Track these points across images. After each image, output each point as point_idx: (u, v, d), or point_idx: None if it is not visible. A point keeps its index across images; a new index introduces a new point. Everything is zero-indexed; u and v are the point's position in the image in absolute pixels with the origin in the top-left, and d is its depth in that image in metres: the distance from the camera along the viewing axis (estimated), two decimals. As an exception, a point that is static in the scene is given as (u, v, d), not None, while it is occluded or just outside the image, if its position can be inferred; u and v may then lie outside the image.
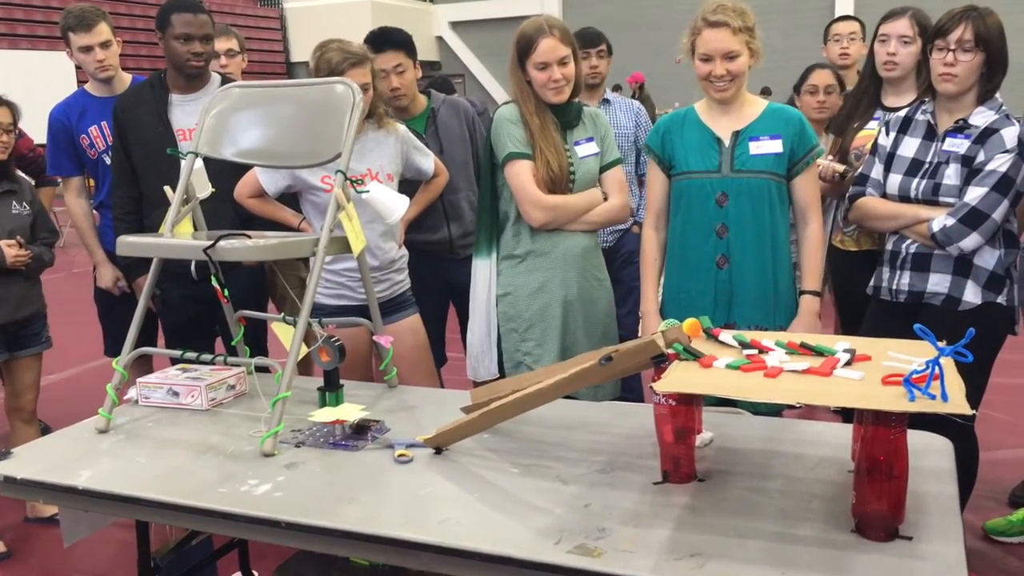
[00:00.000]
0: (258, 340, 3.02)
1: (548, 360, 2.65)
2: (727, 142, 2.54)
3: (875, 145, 2.75)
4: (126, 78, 3.58)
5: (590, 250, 2.78)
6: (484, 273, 2.78)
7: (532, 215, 2.67)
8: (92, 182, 3.69)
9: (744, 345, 1.73)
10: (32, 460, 1.99)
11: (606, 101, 3.87)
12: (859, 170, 2.80)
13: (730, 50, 2.45)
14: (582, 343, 2.72)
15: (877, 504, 1.50)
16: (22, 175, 3.34)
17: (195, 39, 3.03)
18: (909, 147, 2.63)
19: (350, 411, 2.06)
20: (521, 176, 2.66)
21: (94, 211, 3.68)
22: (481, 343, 2.79)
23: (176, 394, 2.29)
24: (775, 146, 2.51)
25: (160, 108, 3.10)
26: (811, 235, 2.59)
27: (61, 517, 2.16)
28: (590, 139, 2.76)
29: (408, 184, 2.96)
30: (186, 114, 3.06)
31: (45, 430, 3.61)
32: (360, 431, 2.04)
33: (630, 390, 3.67)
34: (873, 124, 3.12)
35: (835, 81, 3.68)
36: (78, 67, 3.64)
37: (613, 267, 3.85)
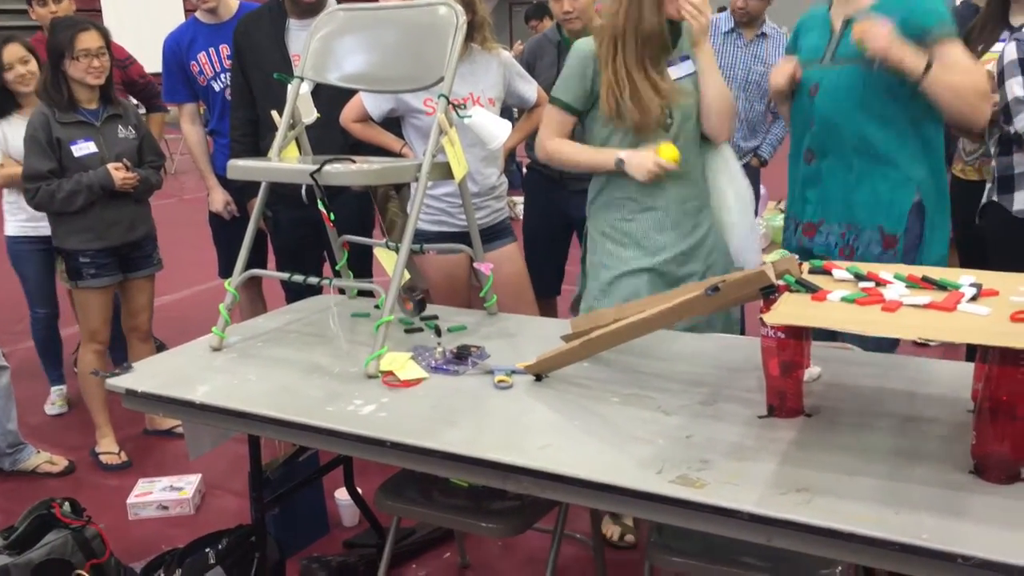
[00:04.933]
0: (363, 264, 3.07)
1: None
2: (838, 30, 2.40)
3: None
4: (232, 4, 3.62)
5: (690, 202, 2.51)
6: None
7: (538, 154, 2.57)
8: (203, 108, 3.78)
9: (860, 277, 1.66)
10: (152, 375, 2.08)
11: (762, 35, 3.69)
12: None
13: None
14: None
15: (999, 445, 1.43)
16: (124, 100, 3.41)
17: None
18: None
19: (397, 362, 2.03)
20: (546, 121, 2.51)
21: (207, 137, 3.77)
22: None
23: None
24: None
25: (277, 33, 3.13)
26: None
27: (185, 432, 2.26)
28: (685, 58, 2.44)
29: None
30: (302, 40, 3.07)
31: (160, 348, 3.78)
32: (461, 356, 2.06)
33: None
34: (999, 46, 2.89)
35: None
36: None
37: None
